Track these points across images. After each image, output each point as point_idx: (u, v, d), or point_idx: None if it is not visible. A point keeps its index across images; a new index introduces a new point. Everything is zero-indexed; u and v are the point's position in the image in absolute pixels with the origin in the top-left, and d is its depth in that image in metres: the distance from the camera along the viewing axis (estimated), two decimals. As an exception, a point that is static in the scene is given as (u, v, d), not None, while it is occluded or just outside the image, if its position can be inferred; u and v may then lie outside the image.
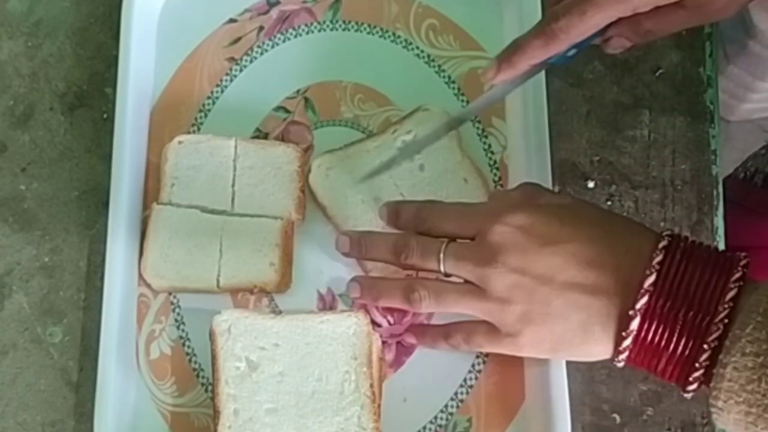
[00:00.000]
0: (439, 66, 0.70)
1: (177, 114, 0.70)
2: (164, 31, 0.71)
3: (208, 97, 0.70)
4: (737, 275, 0.50)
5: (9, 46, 0.73)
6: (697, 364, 0.50)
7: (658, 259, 0.51)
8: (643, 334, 0.51)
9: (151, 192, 0.67)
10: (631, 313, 0.51)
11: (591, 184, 0.68)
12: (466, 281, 0.57)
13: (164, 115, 0.69)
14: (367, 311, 0.64)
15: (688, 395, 0.52)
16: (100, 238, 0.66)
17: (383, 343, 0.63)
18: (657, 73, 0.70)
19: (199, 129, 0.69)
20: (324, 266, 0.65)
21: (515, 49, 0.55)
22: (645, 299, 0.51)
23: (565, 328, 0.54)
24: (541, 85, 0.66)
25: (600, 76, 0.70)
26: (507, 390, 0.63)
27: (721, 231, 0.67)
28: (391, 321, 0.64)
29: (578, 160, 0.68)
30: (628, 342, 0.52)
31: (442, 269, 0.57)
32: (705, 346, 0.49)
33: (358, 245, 0.62)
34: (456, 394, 0.63)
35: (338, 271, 0.65)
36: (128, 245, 0.64)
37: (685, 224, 0.67)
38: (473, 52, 0.70)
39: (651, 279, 0.51)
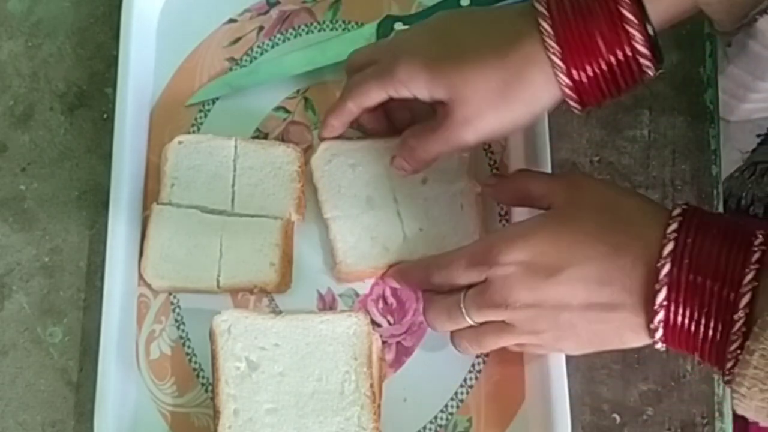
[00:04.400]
0: (439, 66, 0.70)
1: (177, 114, 0.70)
2: (164, 31, 0.71)
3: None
4: (756, 256, 0.49)
5: (9, 46, 0.73)
6: (728, 354, 0.49)
7: (674, 227, 0.51)
8: (672, 311, 0.50)
9: (151, 192, 0.67)
10: (657, 286, 0.50)
11: (591, 184, 0.68)
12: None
13: (164, 115, 0.69)
14: (367, 311, 0.64)
15: (728, 386, 0.51)
16: (100, 238, 0.66)
17: (383, 343, 0.63)
18: (657, 73, 0.70)
19: (199, 129, 0.69)
20: (324, 266, 0.65)
21: None
22: (667, 268, 0.50)
23: (600, 337, 0.55)
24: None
25: (600, 76, 0.70)
26: (507, 390, 0.63)
27: (721, 231, 0.67)
28: (391, 321, 0.64)
29: (578, 160, 0.68)
30: (659, 317, 0.51)
31: (471, 322, 0.58)
32: (734, 337, 0.48)
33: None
34: (456, 394, 0.63)
35: (338, 271, 0.65)
36: (128, 245, 0.64)
37: (685, 224, 0.67)
38: (473, 52, 0.70)
39: (669, 247, 0.50)
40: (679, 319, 0.50)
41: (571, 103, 0.56)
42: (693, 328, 0.50)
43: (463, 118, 0.56)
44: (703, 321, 0.50)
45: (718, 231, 0.51)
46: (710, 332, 0.50)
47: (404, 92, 0.58)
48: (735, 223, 0.52)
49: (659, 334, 0.51)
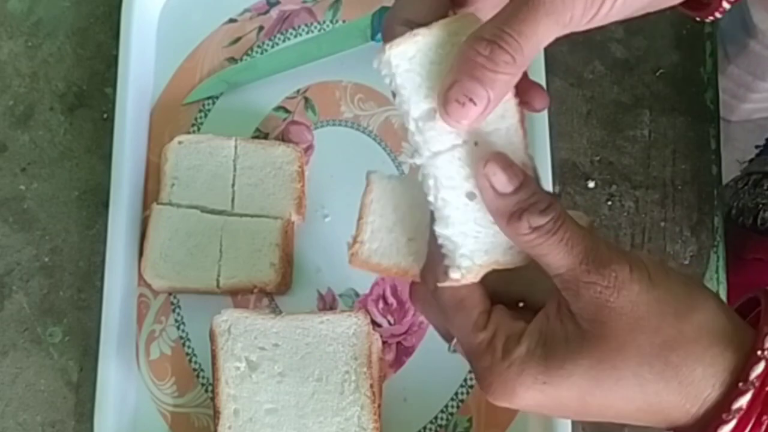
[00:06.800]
0: (439, 66, 0.69)
1: (177, 114, 0.70)
2: (164, 31, 0.71)
3: (208, 97, 0.70)
4: None
5: (9, 46, 0.73)
6: None
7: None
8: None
9: (151, 192, 0.67)
10: None
11: (591, 184, 0.68)
12: None
13: (164, 115, 0.69)
14: (367, 311, 0.64)
15: None
16: (100, 238, 0.66)
17: (383, 343, 0.63)
18: (657, 73, 0.70)
19: (199, 129, 0.69)
20: (324, 266, 0.65)
21: None
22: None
23: None
24: (541, 85, 0.66)
25: (600, 76, 0.70)
26: (507, 390, 0.63)
27: (721, 231, 0.67)
28: (391, 321, 0.64)
29: (578, 160, 0.68)
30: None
31: None
32: None
33: None
34: (456, 394, 0.63)
35: (338, 271, 0.65)
36: (128, 245, 0.64)
37: (685, 224, 0.67)
38: (473, 52, 0.70)
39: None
40: None
41: None
42: None
43: None
44: None
45: None
46: None
47: None
48: None
49: None
